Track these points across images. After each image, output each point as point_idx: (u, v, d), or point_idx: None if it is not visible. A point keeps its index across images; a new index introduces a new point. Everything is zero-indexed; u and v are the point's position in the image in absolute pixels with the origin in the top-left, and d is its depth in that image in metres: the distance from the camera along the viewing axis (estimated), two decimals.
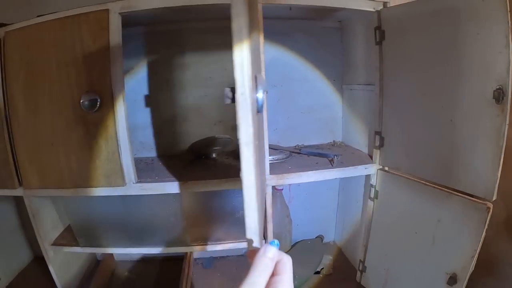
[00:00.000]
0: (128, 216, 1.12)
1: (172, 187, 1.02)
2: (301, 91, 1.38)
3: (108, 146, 1.00)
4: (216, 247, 1.13)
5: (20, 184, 1.11)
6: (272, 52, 1.34)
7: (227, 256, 1.43)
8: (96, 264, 1.50)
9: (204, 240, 1.14)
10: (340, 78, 1.41)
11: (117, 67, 0.97)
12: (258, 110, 0.54)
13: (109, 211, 1.12)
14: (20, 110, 1.05)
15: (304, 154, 1.28)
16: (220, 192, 1.11)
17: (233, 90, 0.45)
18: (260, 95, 0.53)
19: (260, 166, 0.62)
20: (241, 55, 0.44)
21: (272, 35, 1.29)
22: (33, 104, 1.03)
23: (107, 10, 0.96)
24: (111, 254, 1.42)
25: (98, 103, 0.97)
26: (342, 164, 1.17)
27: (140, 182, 1.04)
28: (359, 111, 1.33)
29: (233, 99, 0.46)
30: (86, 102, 0.98)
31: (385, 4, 1.07)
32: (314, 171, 1.13)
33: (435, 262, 0.96)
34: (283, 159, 1.19)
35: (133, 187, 1.03)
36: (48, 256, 1.20)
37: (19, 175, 1.10)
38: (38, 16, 1.05)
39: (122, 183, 1.02)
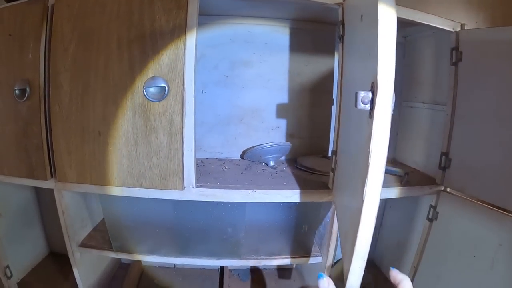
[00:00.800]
0: (177, 222, 0.99)
1: (238, 195, 0.90)
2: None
3: (171, 142, 0.86)
4: (272, 262, 1.02)
5: (52, 175, 0.96)
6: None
7: (264, 269, 1.32)
8: (119, 267, 1.36)
9: (257, 254, 1.03)
10: (399, 95, 1.33)
11: (191, 52, 0.83)
12: None
13: (155, 216, 0.99)
14: (64, 90, 0.90)
15: None
16: (279, 204, 1.00)
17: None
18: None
19: None
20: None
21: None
22: (82, 84, 0.89)
23: None
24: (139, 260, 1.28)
25: (166, 91, 0.83)
26: (407, 183, 1.09)
27: (200, 187, 0.91)
28: (420, 129, 1.26)
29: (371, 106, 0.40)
30: (151, 89, 0.84)
31: (462, 26, 1.01)
32: (384, 188, 1.04)
33: (493, 287, 0.91)
34: None
35: (192, 192, 0.90)
36: (75, 257, 1.05)
37: (53, 166, 0.95)
38: None
39: (181, 186, 0.89)
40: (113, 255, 1.04)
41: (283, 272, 1.32)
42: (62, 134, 0.91)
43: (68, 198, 1.01)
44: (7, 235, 1.23)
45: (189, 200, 0.90)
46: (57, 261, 1.43)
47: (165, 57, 0.84)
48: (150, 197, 0.91)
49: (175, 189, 0.89)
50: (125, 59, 0.85)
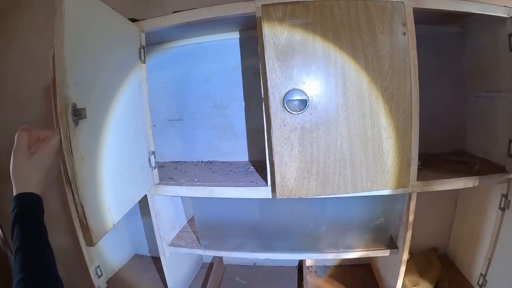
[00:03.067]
0: (261, 220, 1.06)
1: None
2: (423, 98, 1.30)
3: None
4: (351, 255, 1.06)
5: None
6: None
7: (340, 265, 1.36)
8: (202, 267, 1.47)
9: (336, 247, 1.07)
10: (464, 85, 1.32)
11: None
12: None
13: (241, 215, 1.06)
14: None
15: (443, 160, 1.19)
16: (359, 198, 1.04)
17: None
18: None
19: None
20: None
21: None
22: None
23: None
24: (221, 258, 1.37)
25: None
26: (478, 172, 1.09)
27: None
28: (487, 118, 1.25)
29: None
30: None
31: None
32: (457, 178, 1.05)
33: None
34: (420, 165, 1.12)
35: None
36: (165, 256, 1.14)
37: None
38: (174, 12, 0.99)
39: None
40: (201, 252, 1.13)
41: (359, 268, 1.35)
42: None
43: (160, 202, 1.09)
44: None
45: (273, 199, 0.96)
46: (141, 262, 1.54)
47: None
48: (238, 196, 0.97)
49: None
50: None
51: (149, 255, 1.59)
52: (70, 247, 1.81)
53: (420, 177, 1.02)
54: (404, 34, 0.87)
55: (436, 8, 0.93)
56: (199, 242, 1.15)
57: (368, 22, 0.85)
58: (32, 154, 0.63)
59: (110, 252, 1.44)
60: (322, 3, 0.84)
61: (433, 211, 1.40)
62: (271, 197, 0.95)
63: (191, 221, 1.37)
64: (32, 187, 0.62)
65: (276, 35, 0.85)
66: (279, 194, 0.92)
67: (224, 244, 1.10)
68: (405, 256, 1.07)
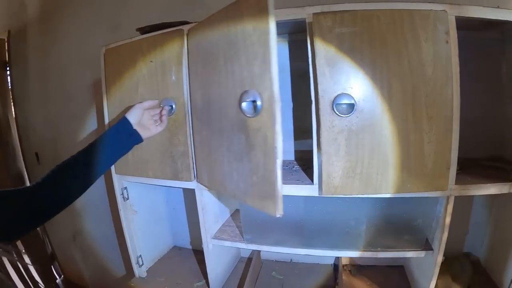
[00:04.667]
0: (305, 217, 1.11)
1: None
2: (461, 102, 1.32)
3: (268, 161, 0.78)
4: (387, 254, 1.10)
5: (195, 177, 1.13)
6: None
7: (374, 265, 1.40)
8: (239, 261, 1.54)
9: (374, 246, 1.11)
10: (503, 91, 1.33)
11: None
12: None
13: (286, 211, 1.11)
14: (198, 104, 1.05)
15: (480, 165, 1.20)
16: (398, 199, 1.08)
17: None
18: None
19: None
20: None
21: None
22: (207, 100, 1.00)
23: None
24: (259, 253, 1.43)
25: (259, 106, 0.77)
26: None
27: None
28: None
29: None
30: (244, 104, 0.80)
31: None
32: (493, 184, 1.07)
33: None
34: (458, 170, 1.14)
35: None
36: (208, 248, 1.21)
37: (195, 169, 1.12)
38: None
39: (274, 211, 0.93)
40: (243, 246, 1.19)
41: (392, 269, 1.37)
42: (199, 143, 1.07)
43: (206, 197, 1.17)
44: (141, 229, 1.43)
45: (318, 196, 1.01)
46: (180, 254, 1.63)
47: (257, 68, 0.77)
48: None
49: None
50: (230, 73, 0.86)
51: (188, 247, 1.68)
52: (112, 237, 1.93)
53: (458, 181, 1.03)
54: (447, 42, 0.91)
55: (478, 16, 0.95)
56: (242, 236, 1.22)
57: (412, 31, 0.89)
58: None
59: (150, 243, 1.52)
60: (369, 12, 0.89)
61: (468, 217, 1.42)
62: (317, 195, 1.00)
63: (232, 216, 1.44)
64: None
65: (326, 43, 0.90)
66: (325, 192, 0.97)
67: (266, 239, 1.16)
68: (440, 257, 1.09)
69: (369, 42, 0.90)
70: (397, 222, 1.10)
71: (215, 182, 1.03)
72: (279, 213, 0.75)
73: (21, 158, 2.30)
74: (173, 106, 1.09)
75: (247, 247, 1.19)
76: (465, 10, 0.94)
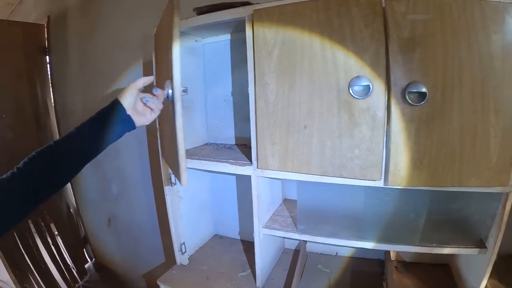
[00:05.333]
0: (363, 208, 1.07)
1: None
2: None
3: (374, 135, 0.94)
4: (442, 250, 1.06)
5: (255, 163, 1.11)
6: None
7: (420, 262, 1.36)
8: (283, 252, 1.51)
9: (429, 241, 1.07)
10: None
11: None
12: None
13: (344, 202, 1.09)
14: (270, 88, 1.03)
15: None
16: (459, 193, 1.03)
17: None
18: None
19: None
20: None
21: None
22: (288, 83, 1.00)
23: None
24: (305, 245, 1.40)
25: (370, 89, 0.91)
26: None
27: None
28: None
29: None
30: (357, 87, 0.92)
31: None
32: None
33: None
34: None
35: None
36: (259, 237, 1.19)
37: (255, 155, 1.10)
38: None
39: (379, 177, 0.96)
40: (296, 236, 1.16)
41: (438, 267, 1.33)
42: (267, 127, 1.05)
43: (262, 184, 1.14)
44: (185, 216, 1.42)
45: (381, 187, 0.98)
46: (222, 242, 1.62)
47: (367, 58, 0.92)
48: (349, 184, 1.00)
49: (373, 179, 0.96)
50: (329, 60, 0.95)
51: (229, 236, 1.66)
52: (147, 222, 1.94)
53: None
54: None
55: None
56: (295, 226, 1.19)
57: (482, 21, 0.85)
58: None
59: (193, 231, 1.51)
60: (441, 1, 0.86)
61: None
62: (382, 185, 0.97)
63: (282, 206, 1.41)
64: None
65: (399, 28, 0.88)
66: (391, 182, 0.94)
67: (319, 230, 1.13)
68: (494, 257, 1.04)
69: (441, 31, 0.87)
70: (454, 218, 1.06)
71: (292, 164, 1.04)
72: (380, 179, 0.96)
73: None
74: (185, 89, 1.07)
75: (300, 238, 1.16)
76: None
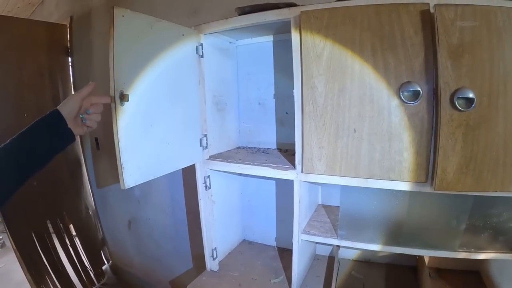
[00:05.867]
0: (405, 214, 1.06)
1: None
2: None
3: (422, 139, 0.93)
4: (480, 256, 1.04)
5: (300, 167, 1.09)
6: None
7: (452, 269, 1.33)
8: (315, 258, 1.49)
9: (468, 247, 1.05)
10: None
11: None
12: None
13: (386, 207, 1.07)
14: (318, 92, 1.01)
15: None
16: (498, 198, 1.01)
17: None
18: None
19: None
20: None
21: None
22: (337, 87, 0.99)
23: (427, 4, 0.90)
24: (337, 251, 1.38)
25: (420, 95, 0.91)
26: None
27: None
28: None
29: None
30: (407, 93, 0.92)
31: None
32: None
33: None
34: None
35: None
36: (298, 243, 1.17)
37: (302, 160, 1.08)
38: (337, 1, 1.02)
39: (425, 179, 0.95)
40: (336, 242, 1.14)
41: (469, 274, 1.31)
42: (315, 131, 1.03)
43: (303, 189, 1.13)
44: (217, 221, 1.40)
45: (426, 192, 0.97)
46: (251, 248, 1.60)
47: (417, 64, 0.92)
48: (396, 188, 0.99)
49: (420, 182, 0.96)
50: (380, 65, 0.94)
51: (258, 242, 1.63)
52: (170, 226, 1.91)
53: None
54: None
55: None
56: (334, 232, 1.17)
57: None
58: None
59: (223, 236, 1.49)
60: (487, 8, 0.86)
61: None
62: (429, 190, 0.96)
63: (318, 211, 1.39)
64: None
65: (448, 35, 0.88)
66: (438, 187, 0.94)
67: (360, 236, 1.11)
68: None
69: (488, 37, 0.87)
70: (493, 223, 1.05)
71: (340, 168, 1.03)
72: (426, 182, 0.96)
73: (79, 143, 2.33)
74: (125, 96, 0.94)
75: (341, 243, 1.13)
76: None
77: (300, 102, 1.05)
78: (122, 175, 0.91)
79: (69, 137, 0.81)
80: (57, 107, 0.79)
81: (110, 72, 0.90)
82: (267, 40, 1.43)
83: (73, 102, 0.80)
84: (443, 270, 1.35)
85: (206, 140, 1.27)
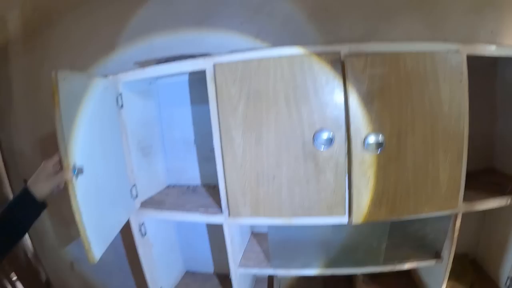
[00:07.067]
0: (332, 240, 1.18)
1: None
2: None
3: (337, 179, 1.03)
4: (404, 266, 1.20)
5: (223, 212, 1.15)
6: None
7: (385, 273, 1.46)
8: (257, 281, 1.57)
9: (392, 260, 1.21)
10: (495, 108, 1.42)
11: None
12: None
13: (314, 236, 1.18)
14: (236, 143, 1.07)
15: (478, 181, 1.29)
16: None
17: None
18: None
19: None
20: None
21: None
22: (254, 138, 1.05)
23: (338, 53, 0.98)
24: None
25: (333, 141, 1.00)
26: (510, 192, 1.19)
27: None
28: None
29: None
30: (320, 140, 1.01)
31: None
32: (493, 198, 1.15)
33: None
34: None
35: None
36: (237, 276, 1.24)
37: (226, 204, 1.14)
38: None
39: (343, 213, 1.07)
40: (271, 272, 1.23)
41: (400, 275, 1.44)
42: (236, 180, 1.09)
43: (233, 229, 1.20)
44: (158, 261, 1.42)
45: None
46: (196, 279, 1.65)
47: (329, 112, 1.00)
48: (317, 223, 1.09)
49: (339, 215, 1.07)
50: (294, 115, 1.01)
51: (201, 271, 1.67)
52: (114, 264, 1.88)
53: (464, 198, 1.13)
54: (461, 81, 1.00)
55: (488, 55, 1.05)
56: (268, 261, 1.26)
57: (432, 71, 0.98)
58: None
59: (167, 272, 1.52)
60: (396, 55, 0.97)
61: (465, 221, 1.55)
62: (346, 223, 1.08)
63: (252, 240, 1.47)
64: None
65: (359, 83, 0.97)
66: (355, 220, 1.05)
67: (292, 263, 1.21)
68: (450, 265, 1.20)
69: (396, 82, 0.97)
70: (412, 238, 1.21)
71: (264, 210, 1.10)
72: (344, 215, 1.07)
73: (8, 184, 2.16)
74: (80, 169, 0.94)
75: (275, 272, 1.23)
76: (475, 48, 1.03)
77: (220, 154, 1.09)
78: (91, 250, 0.91)
79: (42, 206, 0.93)
80: (28, 184, 0.90)
81: (60, 145, 0.88)
82: (185, 79, 1.45)
83: (43, 181, 0.90)
84: (376, 275, 1.49)
85: (136, 189, 1.27)
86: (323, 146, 1.01)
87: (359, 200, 1.03)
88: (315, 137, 1.01)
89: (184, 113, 1.50)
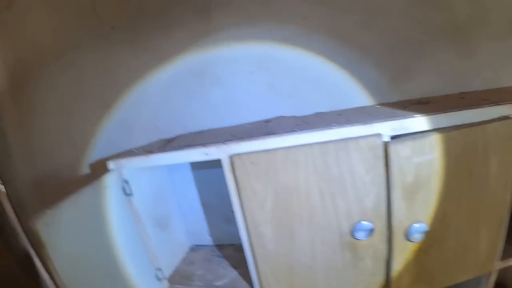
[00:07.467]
0: None
1: None
2: None
3: (376, 265, 0.98)
4: None
5: None
6: None
7: None
8: None
9: None
10: None
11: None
12: None
13: None
14: (267, 238, 0.99)
15: None
16: None
17: None
18: None
19: None
20: None
21: None
22: (287, 233, 0.98)
23: (379, 136, 0.85)
24: None
25: (373, 231, 0.93)
26: None
27: None
28: None
29: None
30: (359, 231, 0.93)
31: None
32: None
33: None
34: None
35: None
36: None
37: None
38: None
39: None
40: None
41: None
42: (270, 271, 1.03)
43: None
44: None
45: None
46: None
47: (368, 203, 0.91)
48: None
49: None
50: (330, 209, 0.93)
51: None
52: None
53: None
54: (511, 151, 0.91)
55: None
56: None
57: (483, 147, 0.87)
58: None
59: None
60: (448, 135, 0.85)
61: None
62: None
63: None
64: None
65: (403, 173, 0.87)
66: None
67: None
68: None
69: (445, 168, 0.88)
70: None
71: None
72: None
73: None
74: None
75: None
76: None
77: (249, 247, 1.02)
78: None
79: None
80: None
81: None
82: None
83: None
84: None
85: (162, 272, 1.20)
86: (362, 236, 0.95)
87: (399, 281, 1.01)
88: (353, 228, 0.94)
89: (197, 175, 1.38)
